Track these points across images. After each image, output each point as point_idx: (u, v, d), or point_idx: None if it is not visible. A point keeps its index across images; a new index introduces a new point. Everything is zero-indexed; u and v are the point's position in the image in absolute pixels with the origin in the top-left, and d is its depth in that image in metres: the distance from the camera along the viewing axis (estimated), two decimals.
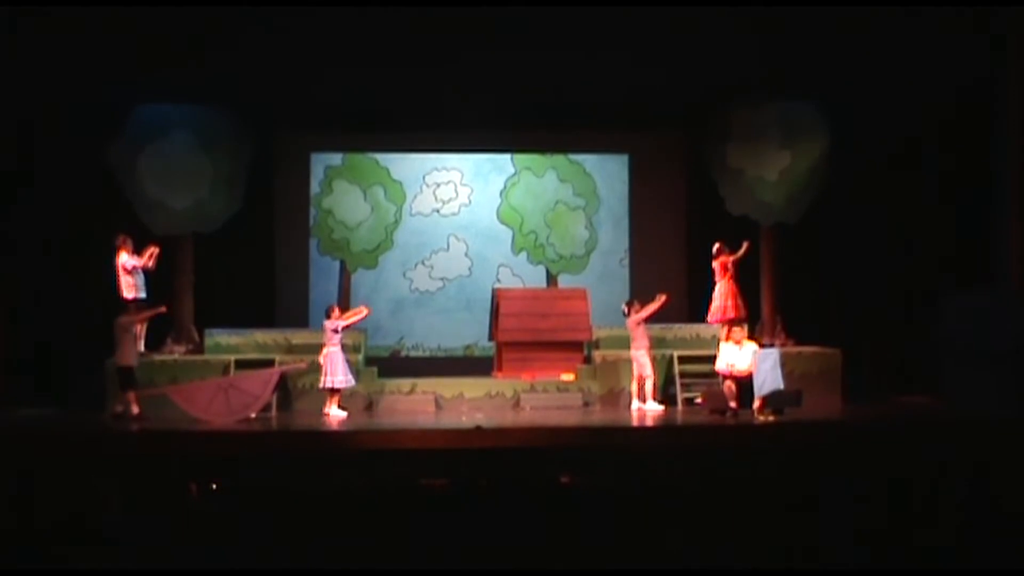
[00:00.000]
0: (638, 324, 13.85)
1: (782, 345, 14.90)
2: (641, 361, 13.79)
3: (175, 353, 14.72)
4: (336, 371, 13.48)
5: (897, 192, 15.36)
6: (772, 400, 12.76)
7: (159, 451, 11.25)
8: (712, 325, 14.68)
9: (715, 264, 14.37)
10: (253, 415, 13.06)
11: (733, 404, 13.00)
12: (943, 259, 14.82)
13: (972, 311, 13.20)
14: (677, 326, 15.11)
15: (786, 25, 12.99)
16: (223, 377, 13.62)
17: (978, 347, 12.87)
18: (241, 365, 14.01)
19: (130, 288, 13.88)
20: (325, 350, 13.58)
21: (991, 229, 13.82)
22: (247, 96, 14.89)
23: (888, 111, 14.80)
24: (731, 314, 14.21)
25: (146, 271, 14.07)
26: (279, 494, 7.94)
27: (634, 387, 13.88)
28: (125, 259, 13.89)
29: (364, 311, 14.25)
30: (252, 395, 13.03)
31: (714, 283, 14.55)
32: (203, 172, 15.11)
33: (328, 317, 13.74)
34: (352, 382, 13.65)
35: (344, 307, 15.36)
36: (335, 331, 13.59)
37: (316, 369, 13.69)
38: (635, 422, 13.11)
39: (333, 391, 13.55)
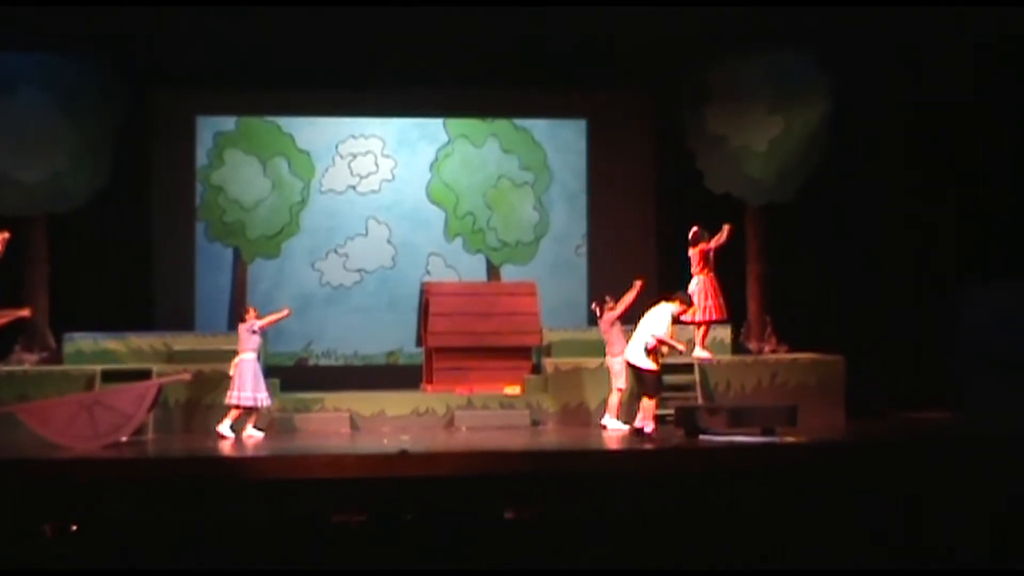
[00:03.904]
0: (613, 324, 13.85)
1: (772, 351, 14.98)
2: (616, 370, 13.78)
3: (25, 363, 14.63)
4: (244, 385, 13.42)
5: (910, 167, 15.50)
6: (760, 418, 12.85)
7: (5, 483, 11.10)
8: (687, 327, 14.71)
9: (692, 253, 14.42)
10: (124, 438, 13.00)
11: None
12: (964, 247, 14.99)
13: (998, 310, 13.37)
14: None
15: None
16: (87, 392, 13.59)
17: (1004, 353, 13.03)
18: (109, 377, 13.94)
19: None
20: (237, 358, 13.52)
21: (1022, 211, 14.00)
22: (117, 44, 14.73)
23: (901, 67, 14.91)
24: (711, 315, 14.26)
25: None
26: (157, 535, 7.87)
27: (613, 400, 13.85)
28: None
29: (286, 311, 14.35)
30: (123, 414, 12.99)
31: (689, 276, 14.59)
32: (61, 138, 15.08)
33: (243, 320, 13.72)
34: (265, 401, 13.60)
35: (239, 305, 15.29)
36: (253, 332, 13.57)
37: (205, 382, 13.54)
38: (594, 445, 13.11)
39: (241, 409, 13.43)
